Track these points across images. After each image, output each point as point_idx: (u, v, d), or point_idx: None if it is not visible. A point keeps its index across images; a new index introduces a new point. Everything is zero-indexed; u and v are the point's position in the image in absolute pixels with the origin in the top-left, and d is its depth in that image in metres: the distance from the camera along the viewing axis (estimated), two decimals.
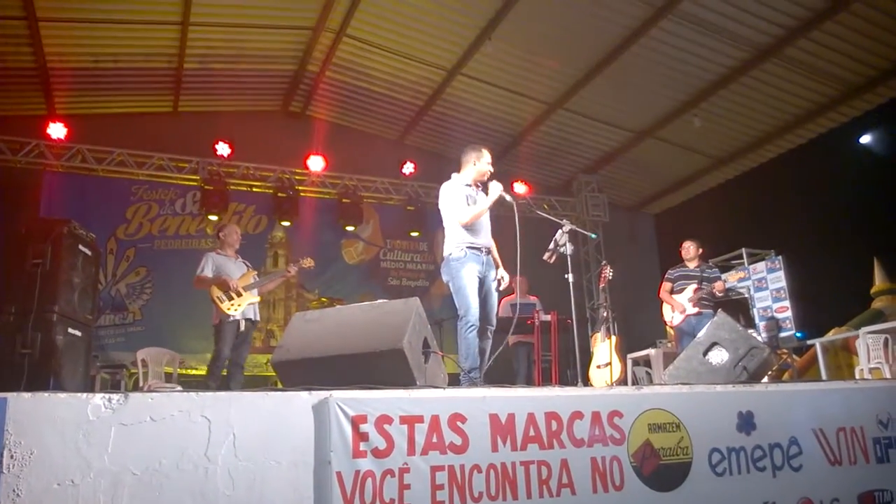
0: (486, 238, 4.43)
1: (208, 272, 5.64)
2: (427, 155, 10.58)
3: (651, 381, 6.87)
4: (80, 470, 2.29)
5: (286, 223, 9.17)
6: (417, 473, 2.59)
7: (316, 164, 9.37)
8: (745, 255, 9.87)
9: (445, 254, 4.38)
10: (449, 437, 2.68)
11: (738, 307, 7.56)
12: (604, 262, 5.66)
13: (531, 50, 8.62)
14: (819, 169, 12.06)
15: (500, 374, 5.38)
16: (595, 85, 9.16)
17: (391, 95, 9.74)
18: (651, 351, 6.37)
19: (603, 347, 5.62)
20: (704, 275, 6.09)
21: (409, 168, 10.03)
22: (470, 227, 4.34)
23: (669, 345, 6.06)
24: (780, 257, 9.64)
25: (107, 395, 2.36)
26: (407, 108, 10.07)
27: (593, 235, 4.46)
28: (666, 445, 3.08)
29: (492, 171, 4.53)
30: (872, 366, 7.25)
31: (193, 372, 8.28)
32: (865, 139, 10.62)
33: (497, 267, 4.49)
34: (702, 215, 11.87)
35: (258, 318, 5.80)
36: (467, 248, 4.29)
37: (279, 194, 9.18)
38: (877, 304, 13.56)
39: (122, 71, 8.40)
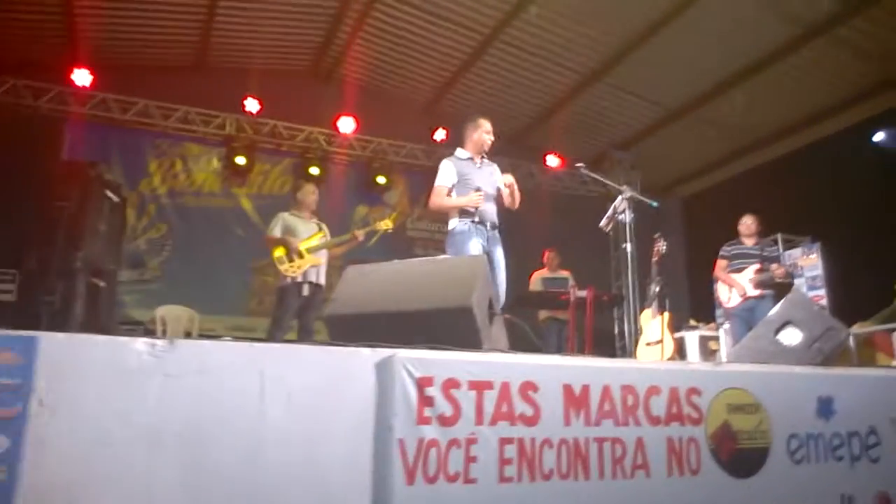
0: (488, 213, 4.34)
1: (277, 232, 5.49)
2: (458, 123, 10.24)
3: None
4: (116, 424, 2.02)
5: (314, 178, 8.82)
6: (485, 445, 2.35)
7: (346, 125, 9.09)
8: (779, 241, 9.54)
9: (449, 227, 4.34)
10: (520, 406, 2.44)
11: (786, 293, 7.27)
12: (658, 234, 5.39)
13: (573, 17, 8.27)
14: (858, 156, 11.70)
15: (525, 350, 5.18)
16: (636, 58, 8.80)
17: (425, 59, 9.42)
18: (722, 329, 6.07)
19: (654, 324, 5.38)
20: (765, 254, 5.79)
21: (441, 134, 9.70)
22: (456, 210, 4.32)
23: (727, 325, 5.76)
24: (816, 244, 9.33)
25: (151, 341, 2.12)
26: (439, 74, 9.75)
27: (654, 204, 4.17)
28: (745, 428, 2.83)
29: (491, 140, 4.50)
30: None
31: (212, 334, 8.07)
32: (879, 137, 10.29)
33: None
34: (734, 199, 11.51)
35: (323, 283, 5.55)
36: (470, 222, 4.23)
37: (307, 155, 8.90)
38: None
39: (149, 19, 8.11)
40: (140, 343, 2.13)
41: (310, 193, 5.83)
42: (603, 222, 4.22)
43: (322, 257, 5.59)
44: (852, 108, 9.27)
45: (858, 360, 7.95)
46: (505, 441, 2.39)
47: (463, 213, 4.25)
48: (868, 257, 9.34)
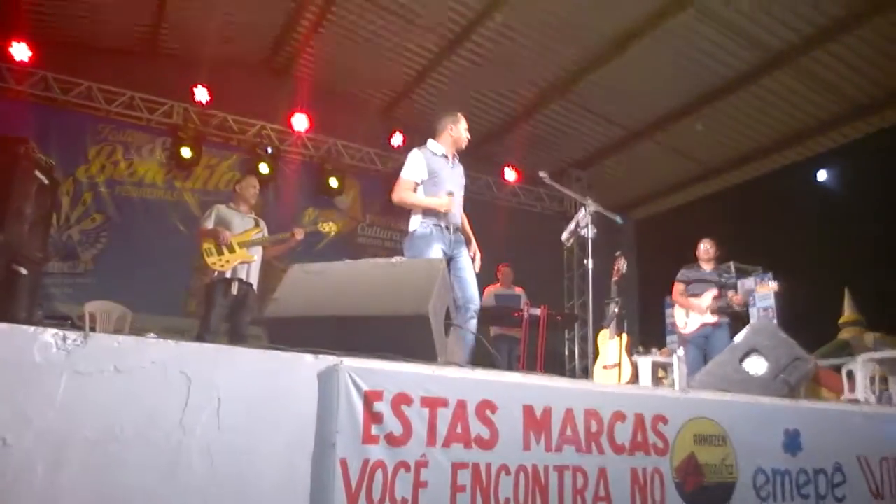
0: (455, 215, 4.07)
1: (209, 224, 5.12)
2: (415, 129, 10.05)
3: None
4: (15, 425, 1.71)
5: (263, 176, 8.42)
6: (437, 469, 2.11)
7: (300, 122, 8.76)
8: (733, 269, 9.59)
9: (410, 229, 4.07)
10: (476, 428, 2.21)
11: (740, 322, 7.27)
12: (618, 253, 5.25)
13: (538, 30, 8.17)
14: (809, 190, 11.98)
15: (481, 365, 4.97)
16: (598, 76, 8.75)
17: (385, 61, 9.16)
18: (675, 355, 5.97)
19: (612, 346, 5.23)
20: (723, 280, 5.72)
21: (398, 139, 9.47)
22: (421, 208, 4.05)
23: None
24: (768, 274, 9.41)
25: (61, 332, 1.81)
26: (400, 77, 9.52)
27: (618, 219, 4.01)
28: (711, 461, 2.67)
29: (468, 138, 4.27)
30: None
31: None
32: (822, 176, 10.60)
33: (469, 242, 4.17)
34: (687, 225, 11.62)
35: (255, 282, 5.19)
36: (433, 224, 3.96)
37: (258, 150, 8.53)
38: (844, 334, 13.59)
39: None
40: (48, 335, 1.82)
41: (249, 187, 5.49)
42: (564, 235, 4.05)
43: (255, 254, 5.24)
44: (806, 142, 9.43)
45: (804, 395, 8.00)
46: (459, 466, 2.16)
47: (427, 213, 3.98)
48: (813, 291, 9.50)
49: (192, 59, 8.43)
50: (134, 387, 1.84)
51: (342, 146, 9.33)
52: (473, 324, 3.87)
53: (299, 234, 5.36)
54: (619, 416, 2.50)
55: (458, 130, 4.20)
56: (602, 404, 2.48)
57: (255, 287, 5.18)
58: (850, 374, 7.40)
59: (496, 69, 9.00)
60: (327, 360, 2.06)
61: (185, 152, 8.26)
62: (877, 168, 12.01)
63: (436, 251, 3.88)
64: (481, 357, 3.80)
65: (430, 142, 4.21)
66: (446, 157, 4.16)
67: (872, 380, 7.04)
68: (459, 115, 4.27)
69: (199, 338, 4.87)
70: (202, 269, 5.30)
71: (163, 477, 1.82)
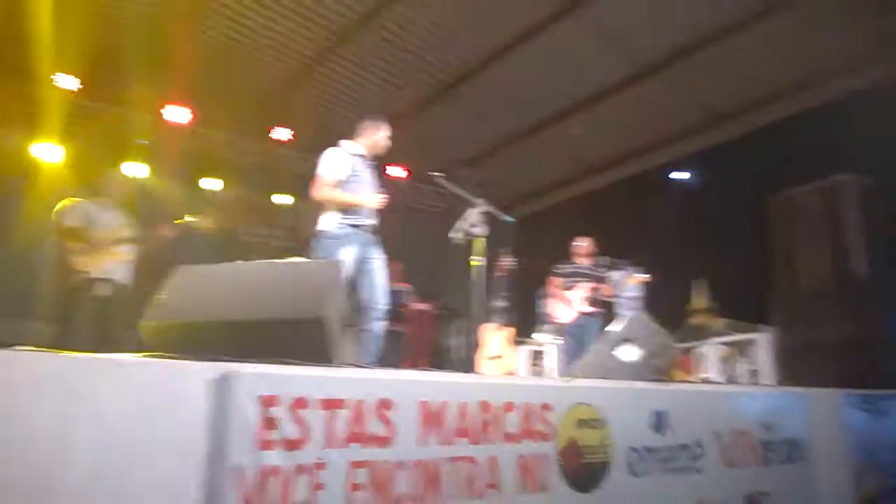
0: (372, 216, 4.09)
1: (71, 220, 4.72)
2: (301, 124, 9.84)
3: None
4: None
5: (134, 174, 7.89)
6: (334, 471, 2.13)
7: (177, 114, 8.33)
8: (607, 262, 10.15)
9: (321, 228, 3.96)
10: (373, 426, 2.24)
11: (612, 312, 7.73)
12: (504, 250, 5.43)
13: (423, 33, 8.25)
14: (670, 190, 12.94)
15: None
16: (485, 77, 8.96)
17: (269, 52, 8.84)
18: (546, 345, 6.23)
19: (495, 338, 5.39)
20: (596, 273, 6.06)
21: (283, 133, 9.21)
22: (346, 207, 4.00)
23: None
24: (636, 267, 10.06)
25: None
26: (285, 70, 9.22)
27: (509, 219, 4.17)
28: (590, 443, 2.85)
29: (388, 146, 4.32)
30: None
31: None
32: (678, 175, 11.57)
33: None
34: (562, 221, 12.20)
35: (128, 283, 4.87)
36: (349, 225, 3.93)
37: (130, 143, 8.03)
38: (695, 320, 14.78)
39: None
40: None
41: (116, 180, 5.19)
42: (455, 234, 4.15)
43: (127, 253, 4.94)
44: (669, 146, 10.15)
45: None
46: (356, 465, 2.18)
47: (346, 213, 3.92)
48: (671, 282, 10.29)
49: (57, 43, 7.77)
50: (5, 401, 1.71)
51: (222, 139, 8.95)
52: (380, 325, 3.87)
53: (171, 232, 5.08)
54: (510, 407, 2.62)
55: (381, 137, 4.22)
56: (494, 396, 2.59)
57: (127, 288, 4.88)
58: (703, 357, 8.08)
59: (385, 67, 8.98)
60: (220, 367, 2.01)
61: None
62: (729, 171, 13.18)
63: (346, 253, 3.82)
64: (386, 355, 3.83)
65: (345, 142, 4.16)
66: (364, 157, 4.14)
67: (721, 361, 7.74)
68: (382, 122, 4.27)
69: (67, 345, 4.53)
70: (65, 269, 4.89)
71: (38, 497, 1.71)
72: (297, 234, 9.55)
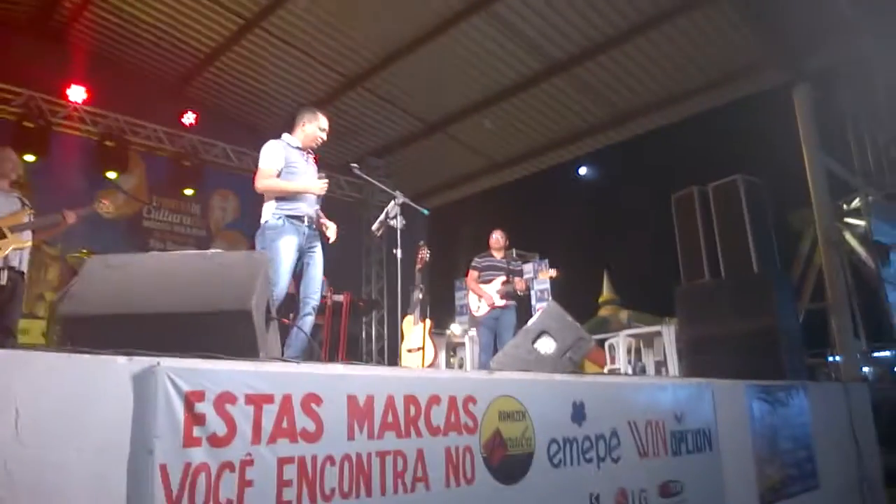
0: (308, 207, 4.03)
1: None
2: (208, 109, 9.51)
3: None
4: None
5: (30, 158, 7.40)
6: (262, 466, 2.09)
7: (77, 93, 7.85)
8: (514, 255, 10.39)
9: (262, 220, 3.95)
10: (301, 421, 2.21)
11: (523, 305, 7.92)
12: (421, 242, 5.45)
13: (340, 18, 8.16)
14: (575, 185, 13.39)
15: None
16: (397, 68, 8.98)
17: (176, 35, 8.53)
18: (467, 336, 6.29)
19: (416, 331, 5.41)
20: (511, 267, 6.18)
21: (190, 118, 8.86)
22: (289, 194, 3.97)
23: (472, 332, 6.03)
24: (545, 261, 10.37)
25: None
26: (192, 54, 8.91)
27: (425, 211, 4.20)
28: (513, 435, 2.92)
29: (324, 138, 4.21)
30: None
31: None
32: (583, 171, 12.06)
33: (326, 228, 4.11)
34: (473, 214, 12.40)
35: (25, 270, 4.55)
36: (286, 216, 3.90)
37: (25, 123, 7.47)
38: (602, 312, 15.44)
39: None
40: None
41: (6, 160, 4.76)
42: (375, 226, 4.15)
43: (27, 239, 4.62)
44: (576, 142, 10.47)
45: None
46: (284, 461, 2.15)
47: (280, 204, 3.88)
48: (578, 274, 10.67)
49: None
50: None
51: (126, 122, 8.52)
52: (309, 319, 3.85)
53: (71, 218, 4.77)
54: (435, 400, 2.64)
55: (312, 128, 4.13)
56: (420, 389, 2.61)
57: (24, 276, 4.57)
58: (612, 348, 8.40)
59: (295, 54, 8.82)
60: (143, 362, 1.93)
61: None
62: (631, 168, 13.78)
63: (287, 242, 3.80)
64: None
65: (285, 135, 4.15)
66: (300, 149, 4.10)
67: (629, 352, 8.07)
68: (317, 113, 4.19)
69: None
70: None
71: None
72: (205, 221, 9.23)
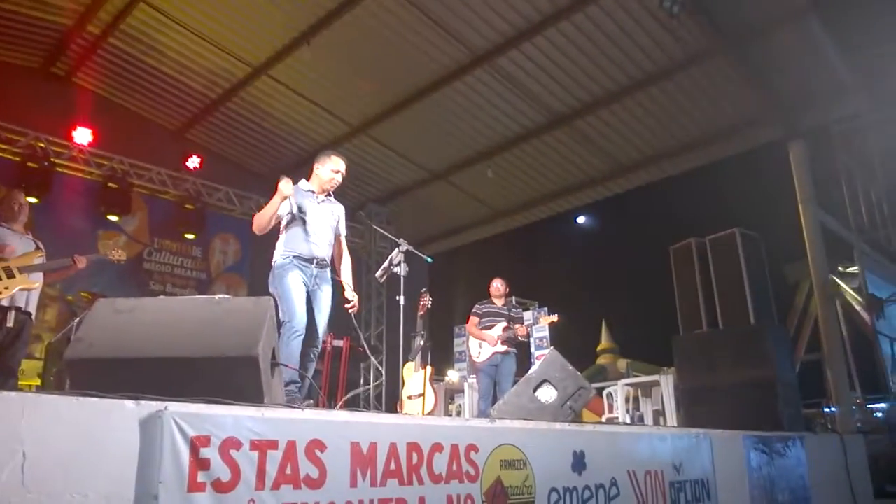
0: (317, 249, 4.05)
1: None
2: (212, 153, 9.67)
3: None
4: None
5: (32, 199, 7.47)
6: None
7: (83, 136, 7.98)
8: (514, 303, 10.40)
9: (273, 262, 4.02)
10: (305, 468, 2.21)
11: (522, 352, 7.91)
12: (424, 289, 5.49)
13: (346, 68, 8.37)
14: (575, 235, 13.50)
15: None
16: (402, 117, 9.17)
17: (181, 81, 8.74)
18: (466, 383, 6.28)
19: (416, 377, 5.40)
20: (511, 314, 6.22)
21: (194, 162, 8.99)
22: (295, 236, 4.02)
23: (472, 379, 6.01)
24: (544, 308, 10.39)
25: None
26: (197, 99, 9.12)
27: (429, 259, 4.25)
28: (514, 484, 2.91)
29: (338, 180, 4.24)
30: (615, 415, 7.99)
31: None
32: (581, 220, 12.16)
33: (344, 286, 4.15)
34: (473, 262, 12.49)
35: (33, 312, 4.56)
36: (293, 256, 3.96)
37: (29, 164, 7.57)
38: (601, 360, 15.38)
39: None
40: None
41: (18, 202, 4.80)
42: (378, 273, 4.20)
43: (36, 281, 4.63)
44: (576, 193, 10.62)
45: None
46: None
47: (288, 246, 3.95)
48: (576, 322, 10.69)
49: None
50: None
51: (130, 165, 8.64)
52: (311, 365, 3.85)
53: (81, 263, 4.81)
54: (438, 448, 2.64)
55: (326, 170, 4.16)
56: (423, 437, 2.61)
57: (32, 318, 4.58)
58: (610, 397, 8.37)
59: (300, 101, 9.02)
60: (150, 407, 1.94)
61: None
62: (631, 219, 13.93)
63: (293, 279, 3.84)
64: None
65: (302, 181, 4.21)
66: (313, 192, 4.15)
67: (627, 400, 8.04)
68: (334, 156, 4.22)
69: None
70: None
71: None
72: (206, 264, 9.26)
